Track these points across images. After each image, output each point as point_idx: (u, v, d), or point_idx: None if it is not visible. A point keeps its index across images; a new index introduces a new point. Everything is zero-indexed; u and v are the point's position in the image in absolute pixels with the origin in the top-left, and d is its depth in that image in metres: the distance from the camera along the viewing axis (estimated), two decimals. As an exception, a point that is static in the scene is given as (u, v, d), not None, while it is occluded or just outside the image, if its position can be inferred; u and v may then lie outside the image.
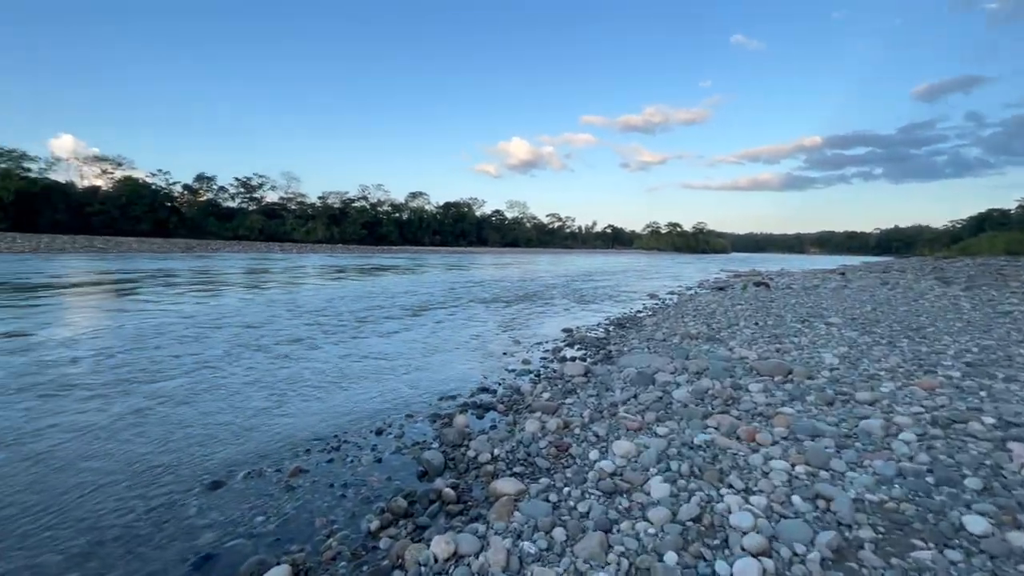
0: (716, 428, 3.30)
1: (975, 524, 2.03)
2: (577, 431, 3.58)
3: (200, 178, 70.44)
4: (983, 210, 65.06)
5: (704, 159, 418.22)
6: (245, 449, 3.49)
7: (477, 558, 2.09)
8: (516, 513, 2.42)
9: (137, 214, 59.68)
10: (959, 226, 73.94)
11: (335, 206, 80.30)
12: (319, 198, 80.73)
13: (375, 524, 2.54)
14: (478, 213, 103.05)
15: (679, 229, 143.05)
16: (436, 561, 2.11)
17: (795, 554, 1.95)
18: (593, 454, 3.08)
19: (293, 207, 77.53)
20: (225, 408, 4.30)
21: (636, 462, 2.88)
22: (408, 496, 2.81)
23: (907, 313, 8.22)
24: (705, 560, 1.97)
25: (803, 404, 3.66)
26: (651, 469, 2.76)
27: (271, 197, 77.20)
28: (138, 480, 3.00)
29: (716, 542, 2.08)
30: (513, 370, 5.89)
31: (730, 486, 2.51)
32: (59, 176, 59.62)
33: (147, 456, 3.33)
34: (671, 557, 1.97)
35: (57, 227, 51.96)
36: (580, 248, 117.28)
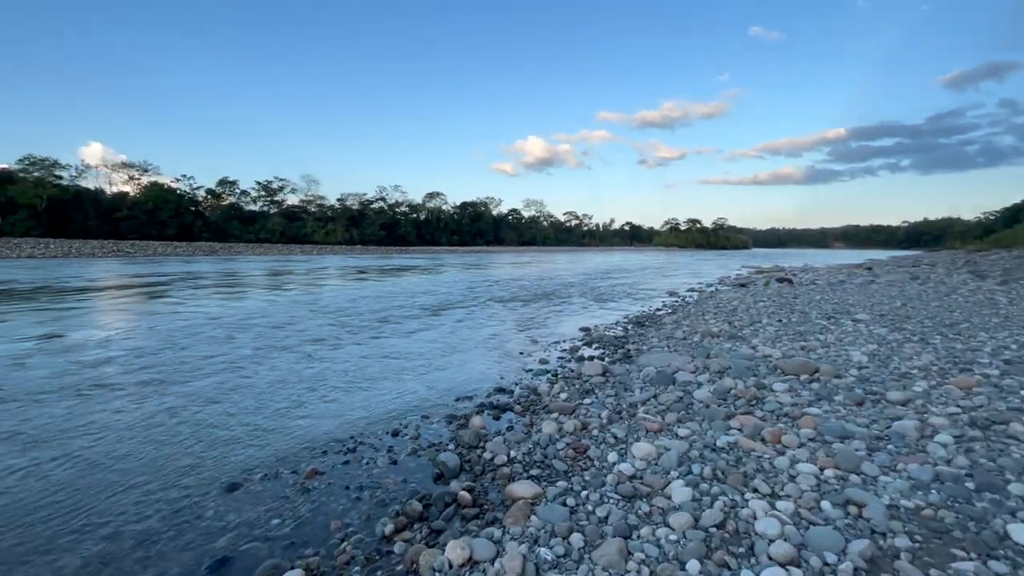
0: (739, 429, 3.19)
1: (1021, 533, 1.90)
2: (595, 432, 3.51)
3: (223, 182, 72.25)
4: (1018, 200, 62.22)
5: (723, 153, 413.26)
6: (264, 450, 3.53)
7: (492, 564, 2.04)
8: (533, 517, 2.37)
9: (163, 219, 61.50)
10: (992, 217, 71.27)
11: (354, 208, 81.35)
12: (338, 200, 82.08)
13: (390, 528, 2.52)
14: (495, 212, 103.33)
15: (699, 225, 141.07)
16: (451, 567, 2.07)
17: (826, 564, 1.85)
18: (612, 456, 3.01)
19: (313, 209, 78.82)
20: (248, 409, 4.37)
21: (656, 465, 2.80)
22: (423, 499, 2.78)
23: (939, 308, 7.92)
24: (730, 569, 1.88)
25: (831, 404, 3.53)
26: (672, 472, 2.68)
27: (291, 200, 78.93)
28: (161, 481, 3.06)
29: (741, 550, 1.99)
30: (530, 370, 5.84)
31: (755, 490, 2.41)
32: (89, 183, 62.11)
33: (172, 457, 3.41)
34: (694, 566, 1.89)
35: (88, 232, 53.86)
36: (598, 246, 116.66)
